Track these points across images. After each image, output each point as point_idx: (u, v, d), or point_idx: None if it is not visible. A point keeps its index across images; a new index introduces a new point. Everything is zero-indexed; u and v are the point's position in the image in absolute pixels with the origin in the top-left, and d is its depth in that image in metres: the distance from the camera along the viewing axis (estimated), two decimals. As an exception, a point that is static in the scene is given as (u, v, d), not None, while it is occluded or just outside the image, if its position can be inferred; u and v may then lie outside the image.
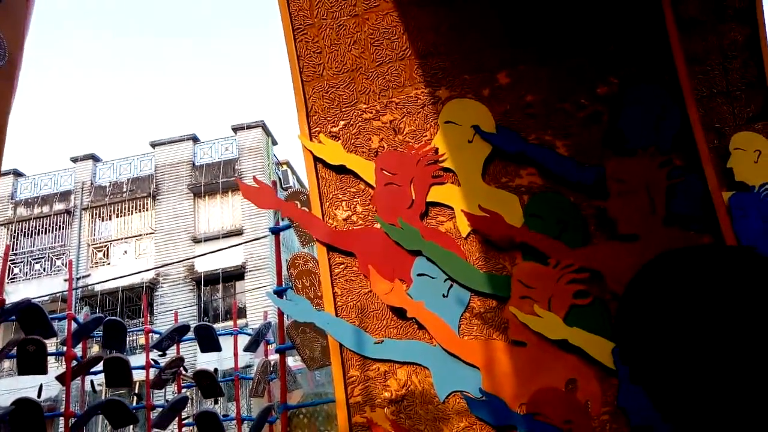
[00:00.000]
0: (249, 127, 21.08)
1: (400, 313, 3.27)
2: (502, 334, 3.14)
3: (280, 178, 21.00)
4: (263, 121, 21.06)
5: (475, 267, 3.25)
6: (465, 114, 3.37)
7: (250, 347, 8.94)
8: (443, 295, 3.25)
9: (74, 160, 22.31)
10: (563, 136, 3.29)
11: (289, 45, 3.56)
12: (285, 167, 22.29)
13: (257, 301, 17.70)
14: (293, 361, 10.05)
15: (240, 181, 4.15)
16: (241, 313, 18.48)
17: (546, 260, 3.14)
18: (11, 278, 20.50)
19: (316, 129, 3.53)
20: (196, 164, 21.15)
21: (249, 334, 10.00)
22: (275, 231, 5.84)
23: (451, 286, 3.25)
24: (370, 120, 3.48)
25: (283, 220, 6.23)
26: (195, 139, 21.69)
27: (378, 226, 3.36)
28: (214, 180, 20.32)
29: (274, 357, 7.98)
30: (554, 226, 3.19)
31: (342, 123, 3.51)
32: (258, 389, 8.05)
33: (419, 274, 3.30)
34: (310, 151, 3.48)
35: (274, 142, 21.63)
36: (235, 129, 21.25)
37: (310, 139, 3.51)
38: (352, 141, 3.48)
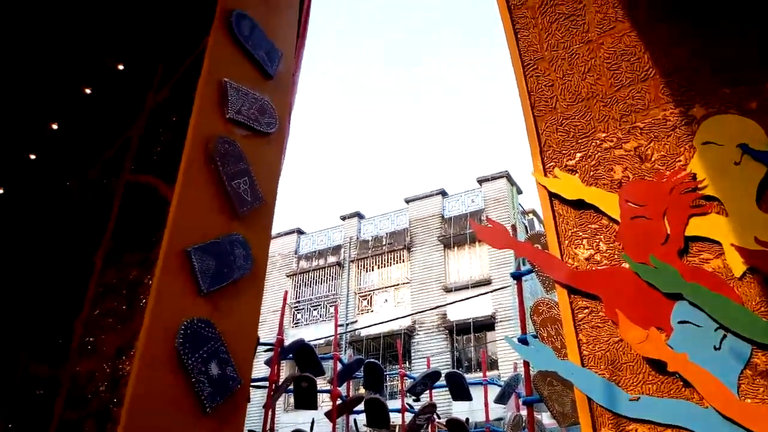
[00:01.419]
0: (493, 178, 21.38)
1: (658, 366, 2.82)
2: (801, 398, 2.49)
3: (526, 227, 20.69)
4: (507, 172, 21.18)
5: (756, 314, 2.66)
6: (728, 132, 2.87)
7: (500, 399, 8.71)
8: (714, 347, 2.72)
9: (343, 218, 25.16)
10: None
11: (519, 82, 3.50)
12: (531, 216, 21.93)
13: (508, 352, 17.35)
14: (548, 418, 9.49)
15: (473, 222, 4.14)
16: (494, 364, 18.28)
17: None
18: (295, 323, 23.62)
19: (551, 164, 3.36)
20: (445, 217, 22.07)
21: (500, 385, 9.79)
22: (516, 276, 5.66)
23: (725, 336, 2.70)
24: (611, 149, 3.19)
25: (524, 265, 6.04)
26: (443, 194, 22.75)
27: (626, 265, 3.00)
28: (462, 231, 20.90)
29: (525, 412, 7.63)
30: None
31: (579, 155, 3.28)
32: (509, 444, 7.75)
33: (681, 321, 2.82)
34: (545, 187, 3.31)
35: (519, 191, 21.52)
36: (480, 181, 21.73)
37: (545, 175, 3.35)
38: (591, 173, 3.22)
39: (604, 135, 3.23)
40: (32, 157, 5.87)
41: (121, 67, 5.38)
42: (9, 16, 5.14)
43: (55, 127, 5.90)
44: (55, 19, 5.31)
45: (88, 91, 5.69)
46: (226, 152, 3.41)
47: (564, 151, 3.34)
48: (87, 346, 3.60)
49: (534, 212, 22.18)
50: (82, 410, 3.29)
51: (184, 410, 2.84)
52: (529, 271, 5.59)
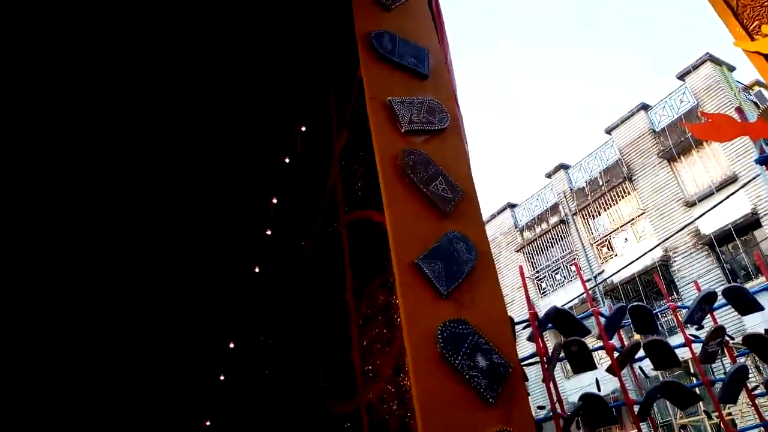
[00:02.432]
0: (695, 67, 18.87)
1: None
2: None
3: (755, 103, 17.81)
4: (709, 54, 18.50)
5: None
6: None
7: (799, 298, 7.57)
8: None
9: (548, 175, 24.27)
10: None
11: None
12: (757, 88, 18.80)
13: (790, 246, 15.01)
14: None
15: (688, 124, 3.70)
16: (776, 263, 15.98)
17: None
18: (543, 293, 23.30)
19: (754, 24, 2.88)
20: (657, 130, 20.03)
21: (792, 284, 8.53)
22: (763, 161, 4.87)
23: None
24: (823, -25, 2.63)
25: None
26: (645, 107, 20.71)
27: None
28: (682, 138, 18.75)
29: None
30: None
31: (784, 1, 2.77)
32: (832, 344, 6.67)
33: None
34: (758, 53, 2.84)
35: (731, 69, 18.64)
36: (681, 76, 19.33)
37: (752, 39, 2.87)
38: (809, 13, 2.69)
39: (808, -36, 2.69)
40: (268, 232, 6.76)
41: (303, 128, 5.96)
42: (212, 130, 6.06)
43: (275, 201, 6.74)
44: (250, 110, 6.11)
45: (287, 160, 6.40)
46: (414, 162, 3.56)
47: (764, 3, 2.84)
48: (369, 375, 3.98)
49: (759, 83, 19.05)
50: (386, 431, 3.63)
51: (471, 407, 2.95)
52: (778, 151, 4.79)
